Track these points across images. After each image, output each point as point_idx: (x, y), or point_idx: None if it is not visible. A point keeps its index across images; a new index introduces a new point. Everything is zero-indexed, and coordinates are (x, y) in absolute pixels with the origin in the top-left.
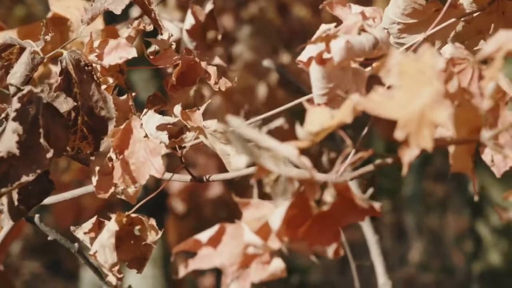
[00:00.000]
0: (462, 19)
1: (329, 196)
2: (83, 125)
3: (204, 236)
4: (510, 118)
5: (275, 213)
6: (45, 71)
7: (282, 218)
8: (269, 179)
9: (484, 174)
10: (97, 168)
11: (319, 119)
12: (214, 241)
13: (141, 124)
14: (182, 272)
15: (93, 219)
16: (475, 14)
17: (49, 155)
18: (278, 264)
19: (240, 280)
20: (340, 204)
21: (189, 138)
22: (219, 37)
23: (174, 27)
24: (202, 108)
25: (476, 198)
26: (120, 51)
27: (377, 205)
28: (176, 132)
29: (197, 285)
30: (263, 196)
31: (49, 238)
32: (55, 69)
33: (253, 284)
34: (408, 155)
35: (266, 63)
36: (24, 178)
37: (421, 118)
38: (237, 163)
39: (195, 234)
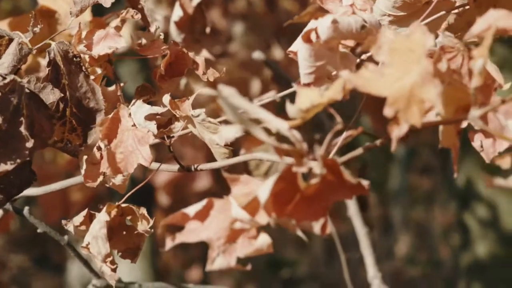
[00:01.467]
0: (453, 11)
1: (317, 171)
2: (71, 117)
3: (191, 210)
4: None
5: (263, 186)
6: (33, 64)
7: (269, 191)
8: (259, 171)
9: (471, 166)
10: (85, 157)
11: (309, 97)
12: (202, 215)
13: (129, 114)
14: (169, 244)
15: (84, 212)
16: (467, 7)
17: (29, 144)
18: (264, 240)
19: (226, 254)
20: (329, 181)
21: (178, 128)
22: (208, 29)
23: (162, 19)
24: (191, 98)
25: (455, 175)
26: (108, 41)
27: (365, 182)
28: (164, 123)
29: (184, 277)
30: None
31: (38, 230)
32: (44, 62)
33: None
34: (397, 131)
35: (257, 55)
36: (3, 167)
37: (410, 95)
38: (227, 134)
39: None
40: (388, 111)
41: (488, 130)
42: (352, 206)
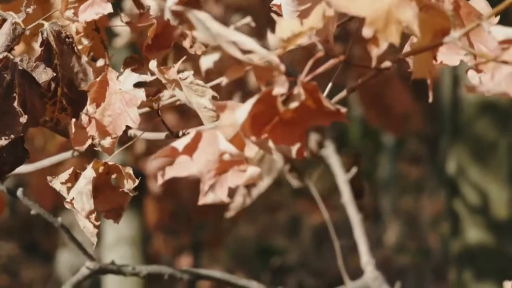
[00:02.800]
0: None
1: (296, 96)
2: (62, 97)
3: (180, 144)
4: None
5: (242, 108)
6: (27, 50)
7: (248, 112)
8: (253, 158)
9: (462, 153)
10: (73, 121)
11: (289, 25)
12: (191, 149)
13: (117, 77)
14: (160, 180)
15: (70, 170)
16: None
17: (23, 120)
18: (254, 171)
19: (217, 187)
20: (307, 106)
21: (166, 97)
22: None
23: (157, 7)
24: (178, 64)
25: (430, 99)
26: (95, 7)
27: (343, 109)
28: (153, 93)
29: (175, 265)
30: None
31: (32, 212)
32: (37, 46)
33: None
34: (376, 50)
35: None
36: None
37: (388, 16)
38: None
39: (173, 215)
40: (366, 31)
41: (471, 51)
42: (346, 193)
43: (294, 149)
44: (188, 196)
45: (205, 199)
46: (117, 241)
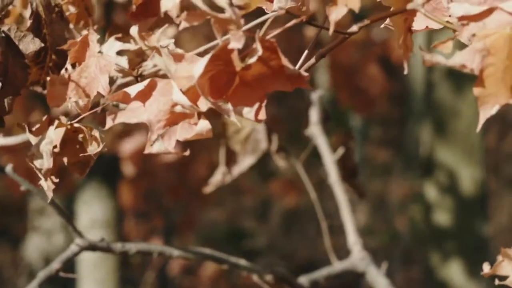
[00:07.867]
0: None
1: (254, 51)
2: (50, 62)
3: (133, 89)
4: None
5: (199, 62)
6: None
7: (204, 66)
8: (238, 137)
9: (434, 136)
10: (49, 78)
11: None
12: (144, 96)
13: (98, 39)
14: (109, 123)
15: (44, 117)
16: None
17: None
18: (204, 125)
19: (165, 138)
20: (267, 66)
21: (149, 66)
22: None
23: None
24: (160, 30)
25: (405, 71)
26: None
27: (305, 73)
28: (137, 63)
29: None
30: (231, 154)
31: (22, 188)
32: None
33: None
34: (335, 13)
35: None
36: None
37: None
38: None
39: (148, 197)
40: None
41: (431, 18)
42: (333, 174)
43: (253, 111)
44: (161, 180)
45: (151, 148)
46: (92, 224)
